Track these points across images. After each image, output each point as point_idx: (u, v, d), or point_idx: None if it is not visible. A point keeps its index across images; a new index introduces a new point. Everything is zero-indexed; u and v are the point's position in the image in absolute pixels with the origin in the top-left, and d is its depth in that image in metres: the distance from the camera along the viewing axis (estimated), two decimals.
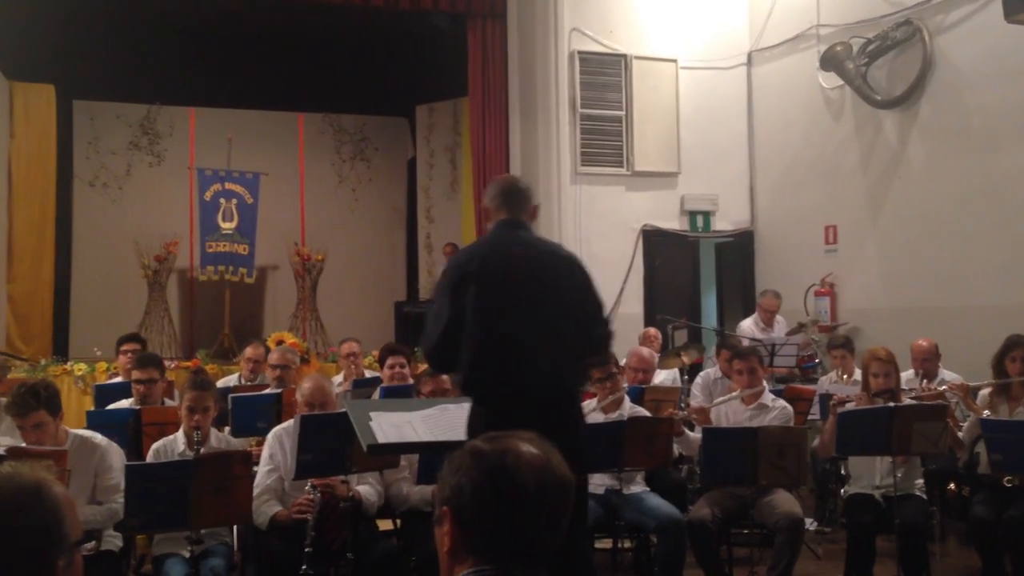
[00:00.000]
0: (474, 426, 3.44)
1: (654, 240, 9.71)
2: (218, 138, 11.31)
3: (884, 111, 8.39)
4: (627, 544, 5.38)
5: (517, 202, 3.83)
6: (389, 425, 3.71)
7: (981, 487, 5.10)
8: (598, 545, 5.36)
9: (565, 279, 3.73)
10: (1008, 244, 7.30)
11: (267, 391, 5.61)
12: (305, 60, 11.46)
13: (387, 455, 4.20)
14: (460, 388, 3.73)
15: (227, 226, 10.82)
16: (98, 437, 4.37)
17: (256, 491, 4.37)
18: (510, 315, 3.60)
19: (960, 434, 5.12)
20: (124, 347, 6.70)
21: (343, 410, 4.04)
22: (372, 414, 3.77)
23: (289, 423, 4.58)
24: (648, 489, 5.22)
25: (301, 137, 11.91)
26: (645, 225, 9.66)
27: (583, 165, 9.44)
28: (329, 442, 4.14)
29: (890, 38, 8.21)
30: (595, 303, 3.82)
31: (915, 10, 8.01)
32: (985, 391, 5.28)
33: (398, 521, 4.91)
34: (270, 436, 4.66)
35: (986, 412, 5.11)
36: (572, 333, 3.70)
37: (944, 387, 5.55)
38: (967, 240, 7.64)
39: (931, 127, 8.00)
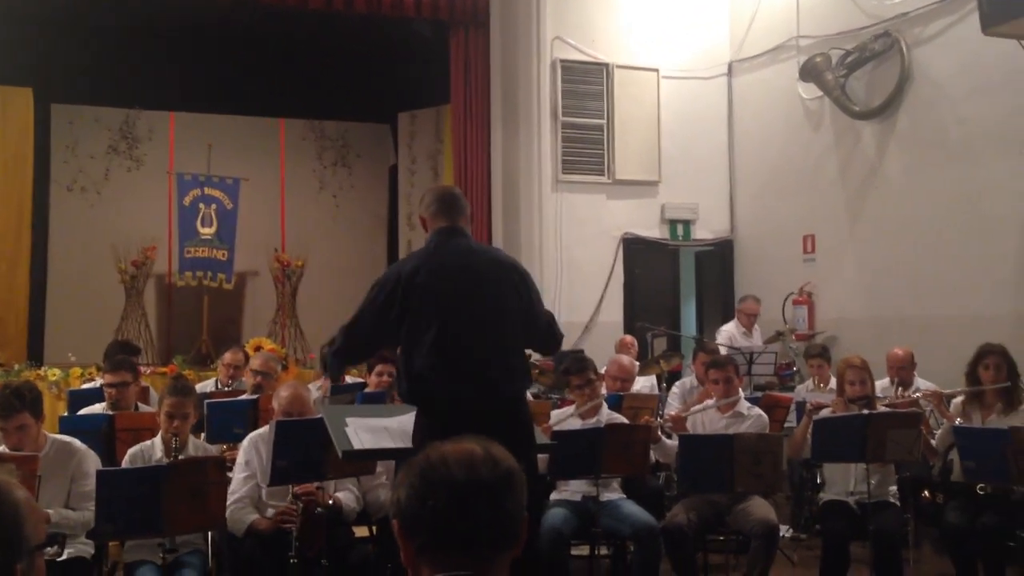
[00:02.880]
0: (419, 439, 3.46)
1: (634, 248, 9.74)
2: (198, 143, 11.27)
3: (862, 122, 8.46)
4: (604, 551, 5.39)
5: (454, 209, 3.84)
6: (365, 431, 3.71)
7: (955, 494, 5.14)
8: (575, 552, 5.37)
9: (507, 285, 3.75)
10: (983, 255, 7.36)
11: (244, 397, 5.59)
12: (287, 66, 11.43)
13: (363, 461, 4.19)
14: (404, 398, 3.74)
15: (206, 231, 10.77)
16: (77, 443, 4.34)
17: (232, 498, 4.36)
18: (454, 325, 3.61)
19: (934, 442, 5.15)
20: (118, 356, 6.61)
21: (320, 416, 4.03)
22: (348, 420, 3.77)
23: (265, 429, 4.55)
24: (624, 496, 5.22)
25: (282, 143, 11.88)
26: (625, 233, 9.69)
27: (564, 173, 9.47)
28: (305, 448, 4.13)
29: (869, 50, 8.28)
30: (537, 305, 3.86)
31: (893, 22, 8.09)
32: (959, 399, 5.32)
33: (375, 528, 4.89)
34: (246, 442, 4.63)
35: (959, 420, 5.15)
36: (514, 340, 3.75)
37: (918, 395, 5.59)
38: (943, 251, 7.70)
39: (908, 138, 8.07)
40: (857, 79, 8.50)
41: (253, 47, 11.17)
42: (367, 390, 5.96)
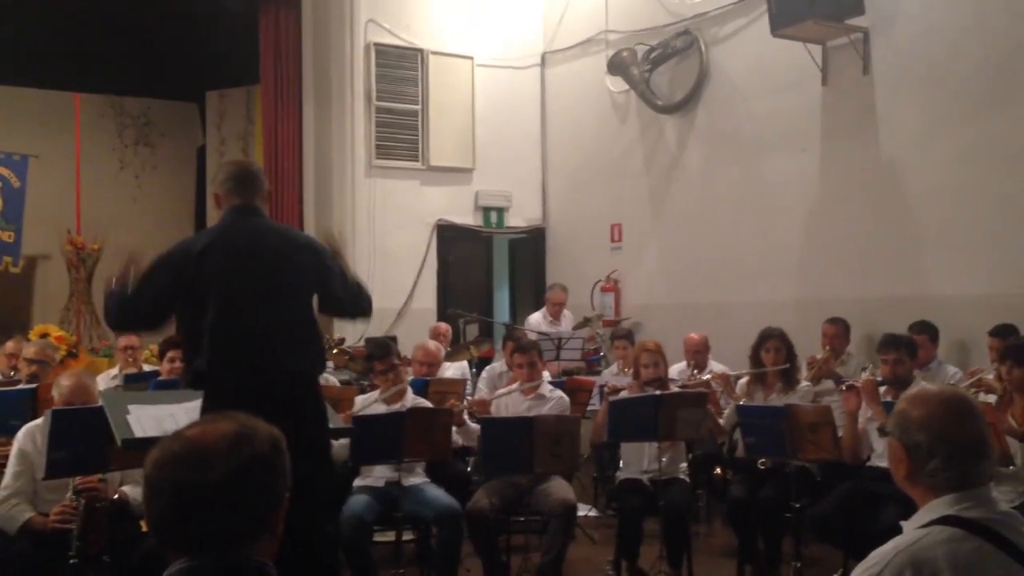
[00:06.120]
0: None
1: (448, 235, 9.77)
2: None
3: (665, 116, 8.80)
4: (409, 536, 5.38)
5: (250, 187, 3.73)
6: (148, 418, 3.54)
7: (739, 470, 5.44)
8: (380, 538, 5.35)
9: (297, 263, 3.67)
10: (771, 245, 7.82)
11: (21, 386, 5.22)
12: (83, 37, 10.70)
13: (147, 450, 3.98)
14: (190, 382, 3.61)
15: None
16: None
17: (3, 494, 4.08)
18: (236, 305, 3.52)
19: (722, 421, 5.44)
20: None
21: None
22: (131, 407, 3.59)
23: (42, 419, 4.27)
24: (428, 480, 5.22)
25: (77, 119, 11.19)
26: (439, 220, 9.71)
27: (378, 158, 9.38)
28: (86, 438, 3.89)
29: (671, 47, 8.62)
30: (337, 279, 3.77)
31: (693, 21, 8.45)
32: (744, 380, 5.63)
33: None
34: (20, 433, 4.33)
35: (744, 400, 5.45)
36: (302, 317, 3.68)
37: (708, 377, 5.88)
38: (736, 240, 8.13)
39: (706, 133, 8.46)
40: (661, 74, 8.84)
41: (45, 14, 10.40)
42: (160, 378, 5.71)
